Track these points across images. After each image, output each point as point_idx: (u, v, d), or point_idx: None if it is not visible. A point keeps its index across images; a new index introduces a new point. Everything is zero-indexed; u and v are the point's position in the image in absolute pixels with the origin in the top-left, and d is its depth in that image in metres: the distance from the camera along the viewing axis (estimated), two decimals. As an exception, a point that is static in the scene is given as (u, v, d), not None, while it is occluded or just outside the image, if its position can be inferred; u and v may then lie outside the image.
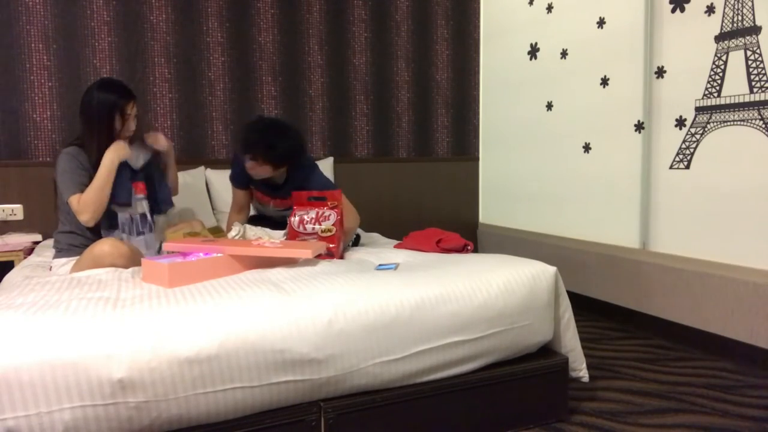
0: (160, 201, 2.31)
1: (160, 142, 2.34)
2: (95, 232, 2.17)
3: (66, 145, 2.18)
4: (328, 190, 2.24)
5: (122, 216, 2.17)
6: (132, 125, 2.22)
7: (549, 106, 3.39)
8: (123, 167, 2.15)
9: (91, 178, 2.09)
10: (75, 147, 2.15)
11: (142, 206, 2.21)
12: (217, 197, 3.14)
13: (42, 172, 2.97)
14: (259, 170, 2.28)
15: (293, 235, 2.17)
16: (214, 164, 3.31)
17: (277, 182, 2.41)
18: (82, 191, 2.07)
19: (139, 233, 2.21)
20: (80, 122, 2.17)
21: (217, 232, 2.40)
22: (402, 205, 3.81)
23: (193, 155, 3.29)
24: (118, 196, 2.14)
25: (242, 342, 1.39)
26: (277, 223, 2.54)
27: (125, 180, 2.16)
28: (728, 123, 2.40)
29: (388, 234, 3.41)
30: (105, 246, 1.97)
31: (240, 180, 2.47)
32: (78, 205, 2.06)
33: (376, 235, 2.93)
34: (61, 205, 2.17)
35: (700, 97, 2.51)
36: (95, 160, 2.11)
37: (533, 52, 3.50)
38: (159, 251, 2.26)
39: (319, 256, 2.08)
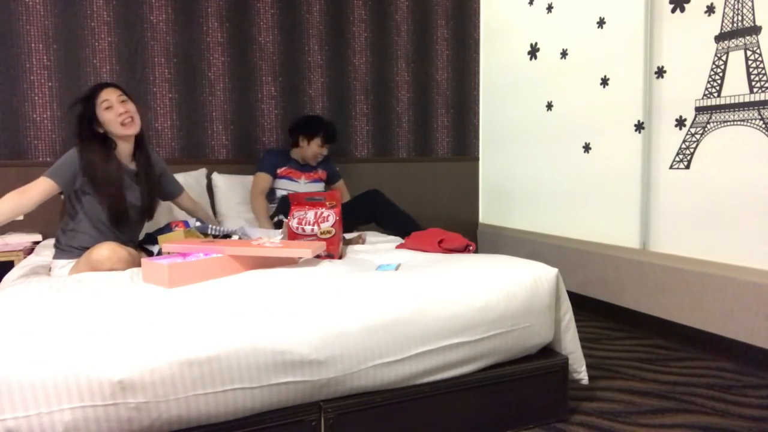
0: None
1: None
2: (99, 232, 2.15)
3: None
4: (337, 176, 3.33)
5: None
6: (120, 108, 2.15)
7: (549, 106, 3.39)
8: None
9: (74, 179, 2.10)
10: None
11: None
12: (224, 199, 3.15)
13: (42, 172, 2.93)
14: (322, 150, 3.12)
15: (292, 238, 2.17)
16: (214, 164, 3.30)
17: (303, 164, 3.21)
18: (56, 182, 2.09)
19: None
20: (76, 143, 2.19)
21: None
22: (402, 205, 3.79)
23: (193, 155, 3.29)
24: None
25: (242, 343, 1.39)
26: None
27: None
28: (728, 123, 2.40)
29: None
30: (103, 250, 1.95)
31: (272, 169, 3.12)
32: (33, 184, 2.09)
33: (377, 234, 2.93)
34: (67, 202, 2.17)
35: (700, 97, 2.51)
36: (104, 169, 2.14)
37: (533, 52, 3.50)
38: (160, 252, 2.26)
39: (319, 257, 2.08)
